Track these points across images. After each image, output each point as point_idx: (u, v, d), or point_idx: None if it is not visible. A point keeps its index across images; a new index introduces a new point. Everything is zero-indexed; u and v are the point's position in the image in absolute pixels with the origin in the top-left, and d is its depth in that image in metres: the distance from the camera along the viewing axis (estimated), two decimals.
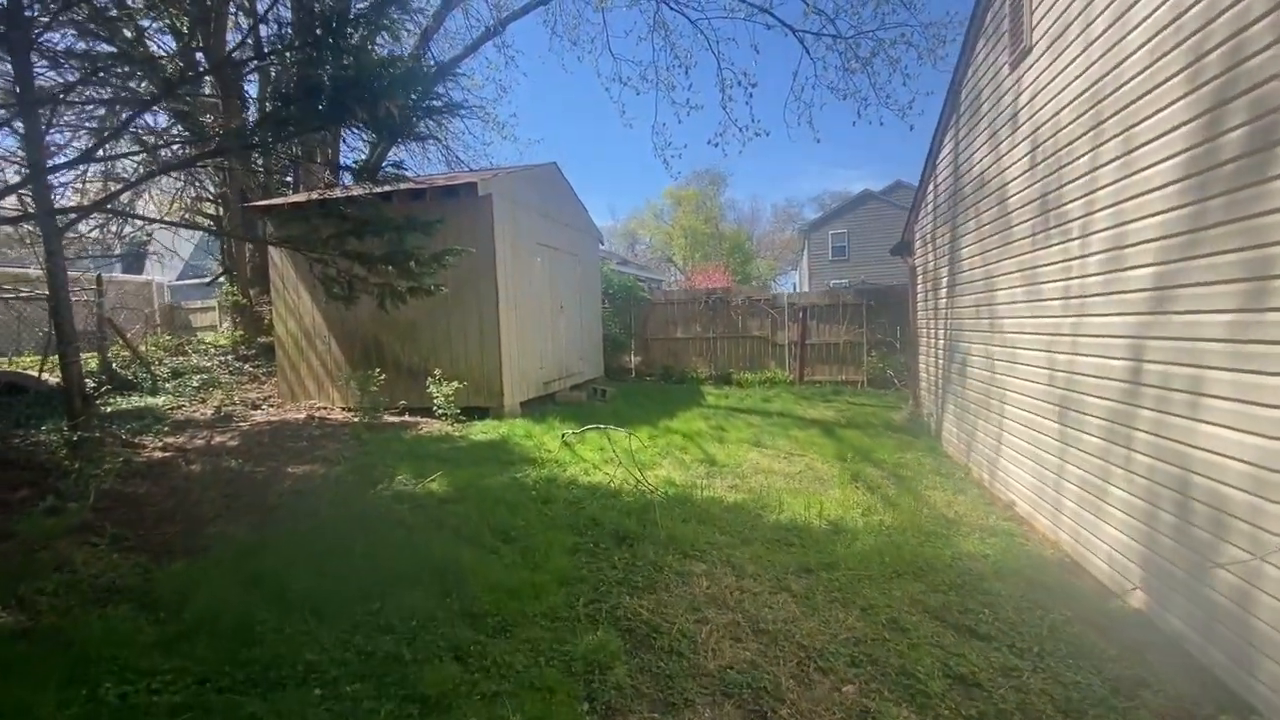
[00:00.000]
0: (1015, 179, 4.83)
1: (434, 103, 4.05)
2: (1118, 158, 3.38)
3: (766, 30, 11.32)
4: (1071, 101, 3.87)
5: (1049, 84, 4.20)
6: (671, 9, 11.55)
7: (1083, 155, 3.76)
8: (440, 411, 7.44)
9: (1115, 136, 3.39)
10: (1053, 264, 4.25)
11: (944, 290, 7.20)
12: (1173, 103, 2.88)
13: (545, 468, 5.72)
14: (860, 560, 3.75)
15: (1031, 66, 4.47)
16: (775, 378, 12.57)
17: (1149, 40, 3.05)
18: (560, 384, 10.09)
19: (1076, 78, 3.80)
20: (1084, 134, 3.73)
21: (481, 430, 7.16)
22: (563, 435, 6.55)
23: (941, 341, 7.37)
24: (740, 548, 4.00)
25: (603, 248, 14.13)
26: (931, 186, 7.65)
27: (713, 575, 3.61)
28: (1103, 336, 3.60)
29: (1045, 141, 4.28)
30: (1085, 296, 3.82)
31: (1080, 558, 3.86)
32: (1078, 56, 3.78)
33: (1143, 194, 3.15)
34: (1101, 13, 3.50)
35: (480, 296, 7.94)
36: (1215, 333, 2.64)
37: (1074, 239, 3.93)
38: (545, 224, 9.81)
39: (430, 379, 7.63)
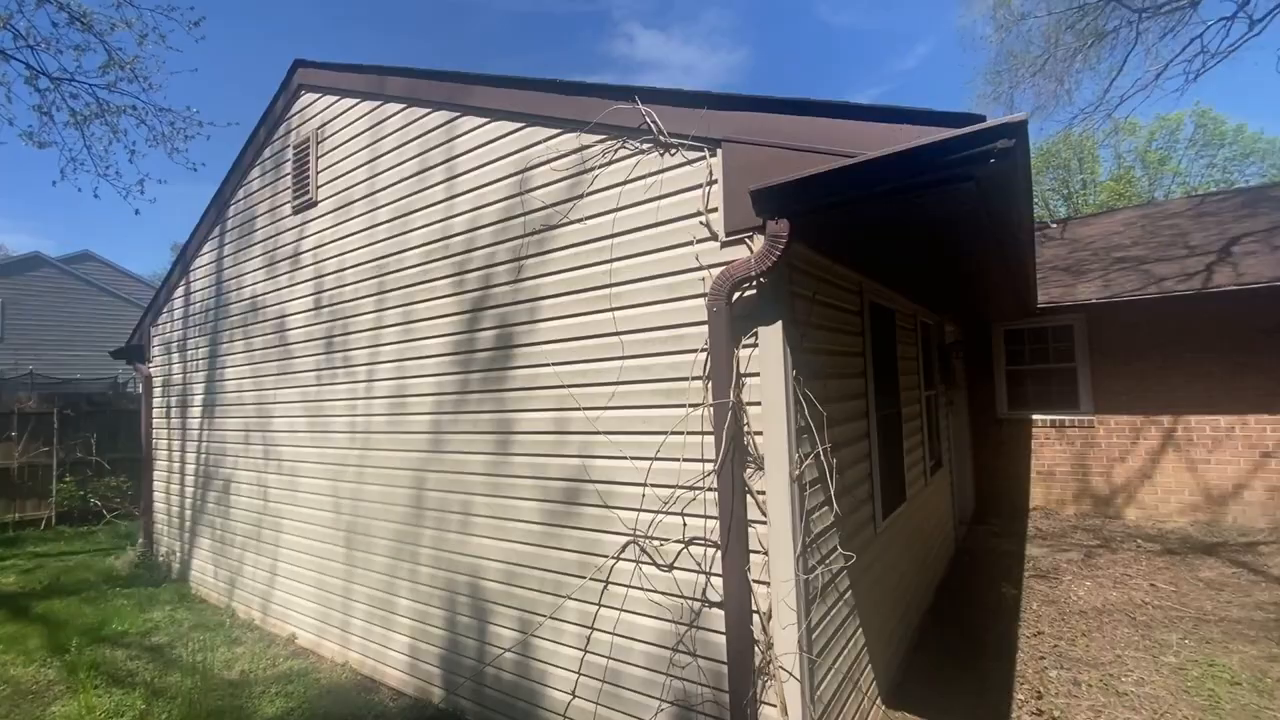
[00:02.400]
0: (299, 314, 5.07)
1: None
2: (400, 324, 4.18)
3: None
4: (358, 265, 4.50)
5: (336, 242, 4.72)
6: None
7: (368, 313, 4.42)
8: None
9: (398, 306, 4.19)
10: (339, 400, 4.67)
11: (198, 408, 6.46)
12: (443, 296, 3.88)
13: None
14: None
15: (318, 219, 4.91)
16: None
17: (424, 245, 4.01)
18: None
19: (363, 248, 4.47)
20: (370, 296, 4.40)
21: None
22: None
23: (193, 466, 6.52)
24: None
25: None
26: (183, 290, 6.85)
27: None
28: (388, 468, 4.24)
29: (331, 290, 4.75)
30: (371, 433, 4.40)
31: (374, 671, 4.23)
32: (364, 230, 4.47)
33: (421, 357, 4.02)
34: (384, 206, 4.32)
35: None
36: (478, 469, 3.65)
37: (360, 381, 4.49)
38: None
39: None
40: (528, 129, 3.42)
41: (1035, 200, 24.77)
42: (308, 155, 5.01)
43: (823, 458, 2.74)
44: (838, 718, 2.83)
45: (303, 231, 5.08)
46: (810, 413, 2.64)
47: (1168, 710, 3.39)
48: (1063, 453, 7.88)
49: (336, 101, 4.79)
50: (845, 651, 3.01)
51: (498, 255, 3.57)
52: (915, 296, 5.06)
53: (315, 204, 4.95)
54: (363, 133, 4.53)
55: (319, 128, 4.95)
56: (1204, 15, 9.58)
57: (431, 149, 3.98)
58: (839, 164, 2.16)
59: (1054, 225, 10.62)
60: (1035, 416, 8.09)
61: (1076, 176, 23.76)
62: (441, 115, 3.91)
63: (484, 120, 3.65)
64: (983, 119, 1.89)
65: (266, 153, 5.59)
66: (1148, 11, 9.43)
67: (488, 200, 3.62)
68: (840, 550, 2.97)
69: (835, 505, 2.89)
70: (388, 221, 4.30)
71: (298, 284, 5.10)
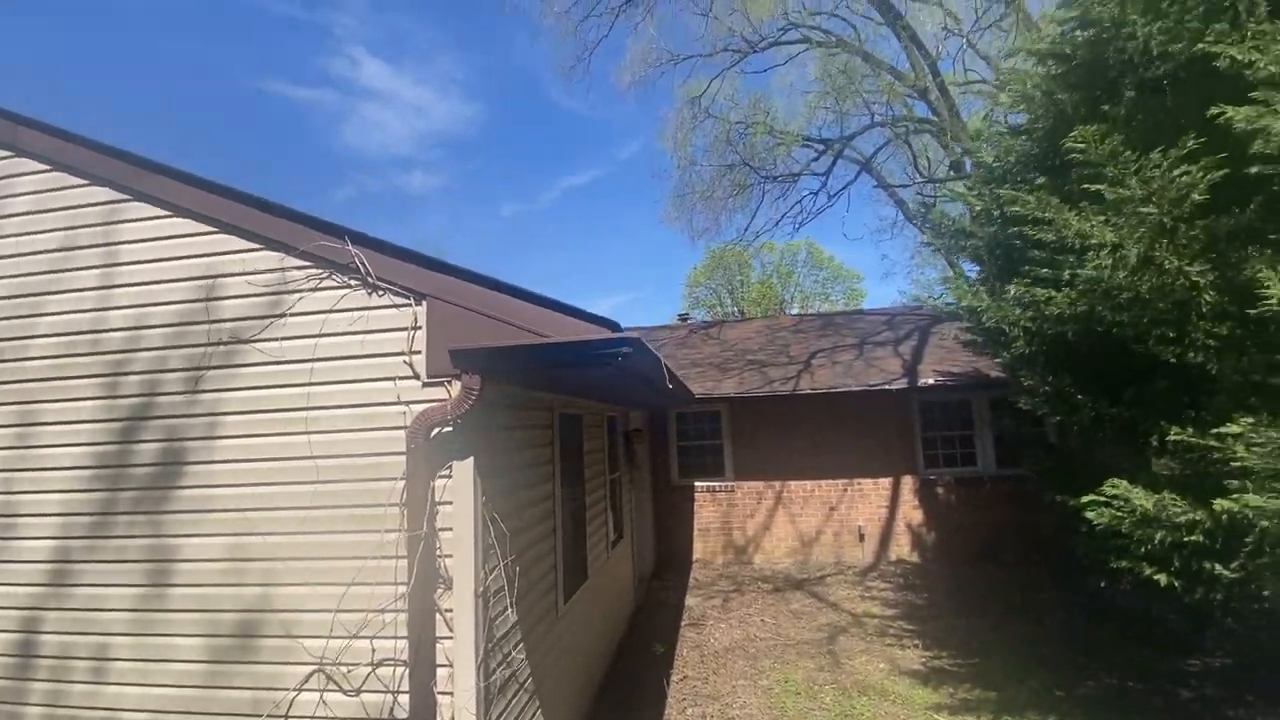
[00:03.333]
0: None
1: None
2: (13, 426, 3.42)
3: None
4: None
5: None
6: None
7: None
8: None
9: (12, 405, 3.43)
10: None
11: None
12: (87, 398, 3.34)
13: None
14: None
15: None
16: None
17: (62, 335, 3.41)
18: None
19: None
20: None
21: None
22: None
23: None
24: None
25: None
26: None
27: None
28: None
29: None
30: None
31: None
32: None
33: (45, 469, 3.35)
34: (1, 278, 3.55)
35: None
36: (122, 604, 3.16)
37: None
38: None
39: None
40: (221, 235, 3.31)
41: (710, 293, 30.70)
42: None
43: (506, 570, 3.19)
44: None
45: None
46: (496, 533, 3.09)
47: None
48: (715, 512, 9.85)
49: None
50: None
51: (171, 361, 3.28)
52: (600, 401, 6.03)
53: None
54: None
55: None
56: (802, 187, 13.72)
57: (85, 227, 3.48)
58: (523, 341, 2.74)
59: (714, 328, 13.52)
60: (697, 483, 9.97)
61: (737, 278, 30.24)
62: (104, 192, 3.48)
63: (163, 213, 3.39)
64: (619, 328, 2.67)
65: None
66: (770, 179, 13.10)
67: (161, 299, 3.32)
68: (522, 643, 3.42)
69: (516, 610, 3.35)
70: (6, 298, 3.53)
71: None
